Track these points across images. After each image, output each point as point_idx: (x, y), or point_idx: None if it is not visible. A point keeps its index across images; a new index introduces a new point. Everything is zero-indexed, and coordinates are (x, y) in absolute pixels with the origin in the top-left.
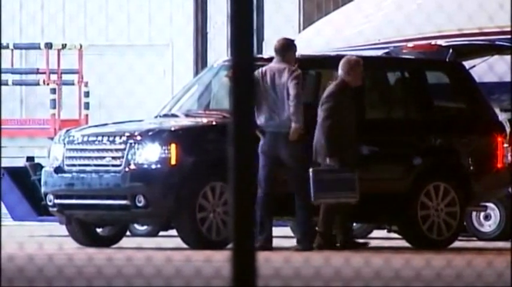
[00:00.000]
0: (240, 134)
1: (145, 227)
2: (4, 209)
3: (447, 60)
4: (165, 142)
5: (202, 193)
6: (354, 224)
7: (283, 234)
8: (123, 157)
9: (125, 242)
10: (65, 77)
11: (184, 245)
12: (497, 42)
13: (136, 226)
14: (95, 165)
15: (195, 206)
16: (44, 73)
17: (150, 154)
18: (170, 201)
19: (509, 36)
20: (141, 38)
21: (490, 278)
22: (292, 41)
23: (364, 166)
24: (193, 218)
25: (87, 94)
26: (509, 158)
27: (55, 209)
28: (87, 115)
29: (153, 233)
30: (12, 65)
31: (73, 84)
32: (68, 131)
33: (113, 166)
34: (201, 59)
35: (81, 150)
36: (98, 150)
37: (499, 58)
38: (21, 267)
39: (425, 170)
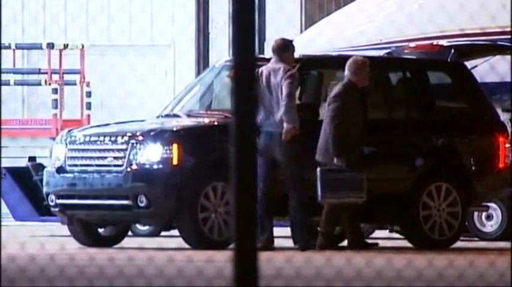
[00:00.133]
0: (242, 134)
1: (147, 227)
2: (6, 209)
3: (449, 60)
4: (167, 142)
5: (204, 193)
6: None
7: (284, 234)
8: (125, 157)
9: (127, 242)
10: (66, 77)
11: (186, 245)
12: (499, 43)
13: (138, 226)
14: (97, 165)
15: (196, 206)
16: (46, 73)
17: (152, 154)
18: (172, 201)
19: (510, 36)
20: (143, 38)
21: (491, 278)
22: (290, 41)
23: (366, 166)
24: (195, 218)
25: (89, 94)
26: (511, 158)
27: (57, 209)
28: (89, 115)
29: (154, 233)
30: (14, 65)
31: (75, 84)
32: (69, 131)
33: (115, 166)
34: (202, 59)
35: (83, 150)
36: (100, 150)
37: (501, 58)
38: (22, 267)
39: (427, 170)
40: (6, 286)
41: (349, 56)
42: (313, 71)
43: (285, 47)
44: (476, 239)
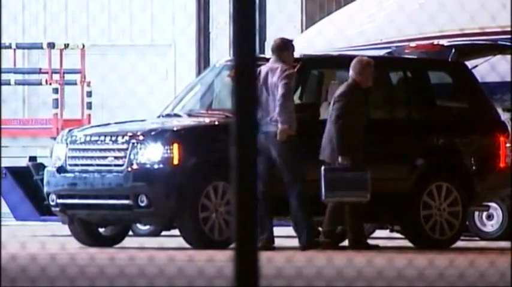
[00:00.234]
0: (243, 133)
1: (147, 227)
2: (6, 209)
3: (449, 60)
4: (167, 142)
5: (205, 193)
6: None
7: (285, 234)
8: (125, 157)
9: (128, 242)
10: (67, 76)
11: (187, 245)
12: (499, 42)
13: (139, 226)
14: (98, 165)
15: (197, 206)
16: (47, 73)
17: (152, 154)
18: (173, 201)
19: (511, 36)
20: (143, 38)
21: (492, 278)
22: (290, 40)
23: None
24: (196, 218)
25: (89, 94)
26: None
27: (57, 209)
28: (89, 115)
29: (155, 233)
30: (14, 64)
31: (75, 84)
32: (70, 130)
33: (116, 165)
34: (203, 59)
35: (84, 150)
36: (101, 150)
37: (501, 58)
38: (23, 267)
39: (427, 170)
40: (7, 286)
41: (350, 56)
42: (313, 71)
43: (284, 47)
44: (476, 238)
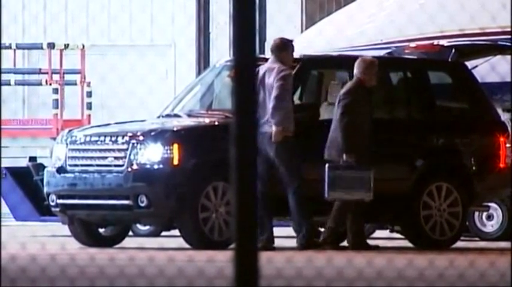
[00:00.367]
0: (243, 134)
1: (147, 227)
2: (6, 209)
3: (449, 60)
4: (167, 142)
5: (205, 193)
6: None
7: (285, 234)
8: (125, 157)
9: (127, 242)
10: (67, 77)
11: (187, 245)
12: (499, 43)
13: (139, 226)
14: (98, 165)
15: (197, 206)
16: (46, 73)
17: (152, 154)
18: (172, 201)
19: (511, 36)
20: (143, 38)
21: (492, 278)
22: (289, 40)
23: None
24: (196, 218)
25: (89, 94)
26: None
27: (57, 209)
28: (89, 115)
29: (155, 233)
30: (14, 65)
31: (75, 84)
32: (70, 131)
33: (115, 166)
34: (203, 59)
35: (84, 150)
36: (100, 150)
37: (502, 58)
38: (23, 267)
39: (427, 170)
40: (7, 286)
41: (350, 56)
42: (313, 71)
43: (282, 47)
44: (476, 239)
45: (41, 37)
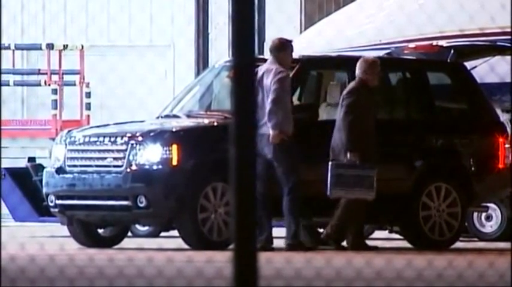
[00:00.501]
0: (242, 134)
1: (146, 228)
2: (6, 210)
3: (448, 61)
4: (166, 143)
5: (204, 194)
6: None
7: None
8: (124, 158)
9: (126, 242)
10: (66, 77)
11: (186, 246)
12: (498, 43)
13: (138, 227)
14: (97, 166)
15: (196, 206)
16: (46, 74)
17: (151, 155)
18: (171, 202)
19: (510, 37)
20: (142, 38)
21: (491, 278)
22: (288, 41)
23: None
24: (195, 219)
25: (88, 95)
26: (511, 158)
27: (56, 209)
28: (88, 116)
29: (154, 234)
30: (13, 65)
31: (74, 84)
32: (69, 131)
33: (115, 166)
34: (202, 60)
35: (83, 151)
36: (100, 151)
37: (501, 59)
38: (22, 267)
39: (426, 170)
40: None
41: (349, 57)
42: (312, 72)
43: (281, 47)
44: (475, 239)
45: (40, 38)
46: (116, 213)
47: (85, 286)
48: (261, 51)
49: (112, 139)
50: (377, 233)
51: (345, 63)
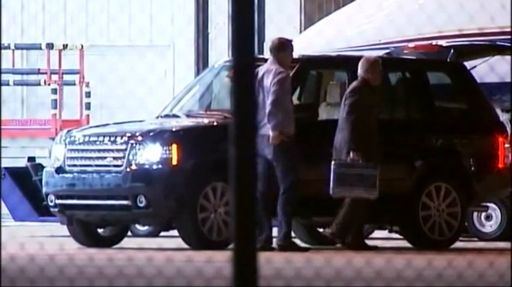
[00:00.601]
0: (241, 134)
1: (146, 228)
2: (5, 210)
3: (448, 60)
4: (166, 142)
5: (204, 194)
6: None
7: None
8: (124, 157)
9: (126, 242)
10: (66, 77)
11: (186, 246)
12: (498, 43)
13: (138, 226)
14: (96, 165)
15: (196, 206)
16: (45, 73)
17: (151, 154)
18: (171, 201)
19: (510, 37)
20: (142, 38)
21: (491, 278)
22: (288, 40)
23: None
24: (195, 219)
25: (88, 94)
26: (511, 158)
27: (56, 209)
28: (88, 115)
29: (154, 234)
30: (13, 65)
31: (74, 84)
32: (69, 131)
33: (114, 166)
34: (202, 60)
35: (83, 150)
36: (99, 150)
37: (500, 58)
38: (22, 267)
39: (426, 170)
40: (6, 286)
41: (348, 57)
42: (312, 72)
43: (280, 47)
44: (475, 239)
45: (40, 37)
46: (116, 213)
47: (85, 286)
48: (261, 51)
49: (112, 139)
50: (377, 233)
51: (345, 63)
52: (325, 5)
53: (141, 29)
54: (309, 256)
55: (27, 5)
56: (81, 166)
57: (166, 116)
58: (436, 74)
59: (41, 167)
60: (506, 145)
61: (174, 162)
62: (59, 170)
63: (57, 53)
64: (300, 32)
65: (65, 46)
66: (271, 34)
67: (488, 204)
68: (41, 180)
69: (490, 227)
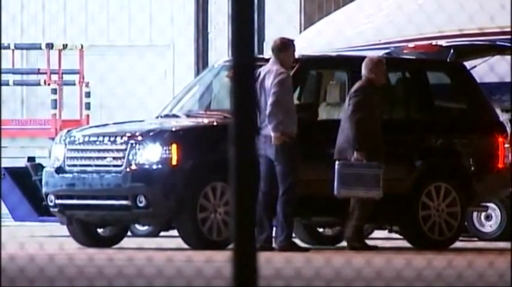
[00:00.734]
0: (241, 134)
1: (146, 228)
2: (5, 210)
3: (448, 60)
4: (166, 142)
5: (203, 193)
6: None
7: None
8: (124, 157)
9: (126, 242)
10: (66, 77)
11: (185, 246)
12: (498, 43)
13: (137, 226)
14: (96, 165)
15: (196, 206)
16: (45, 73)
17: (151, 154)
18: (171, 201)
19: (510, 37)
20: (142, 38)
21: (491, 278)
22: (290, 40)
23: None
24: (194, 219)
25: (88, 94)
26: (510, 158)
27: (56, 209)
28: (88, 115)
29: (154, 234)
30: (13, 65)
31: (74, 84)
32: (69, 131)
33: (114, 166)
34: (202, 60)
35: (82, 150)
36: (99, 150)
37: (500, 58)
38: (22, 267)
39: (426, 170)
40: (6, 286)
41: (348, 57)
42: (312, 72)
43: (282, 47)
44: (475, 239)
45: (40, 37)
46: (116, 213)
47: (84, 286)
48: (261, 51)
49: (112, 139)
50: (377, 233)
51: (345, 63)
52: (325, 5)
53: (140, 29)
54: (309, 256)
55: (27, 5)
56: (81, 166)
57: (166, 116)
58: (436, 74)
59: (40, 167)
60: (506, 145)
61: (174, 162)
62: (59, 170)
63: (57, 53)
64: (300, 32)
65: (65, 46)
66: (271, 34)
67: (488, 204)
68: (40, 180)
69: (489, 227)
